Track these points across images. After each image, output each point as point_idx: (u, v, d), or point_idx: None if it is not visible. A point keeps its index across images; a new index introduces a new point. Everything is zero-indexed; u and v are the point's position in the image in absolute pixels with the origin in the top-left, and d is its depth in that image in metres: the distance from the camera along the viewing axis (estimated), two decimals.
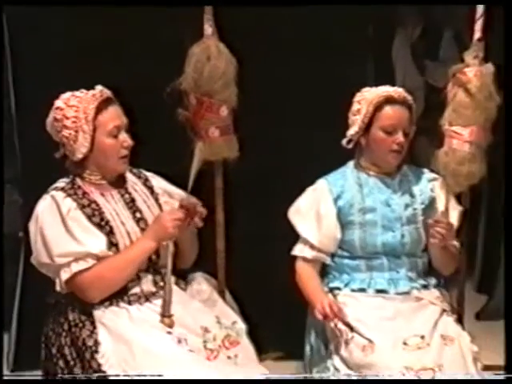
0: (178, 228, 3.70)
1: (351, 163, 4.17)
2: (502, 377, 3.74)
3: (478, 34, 3.98)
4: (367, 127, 4.02)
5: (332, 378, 3.92)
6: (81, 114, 3.68)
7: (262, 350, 4.04)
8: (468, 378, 3.82)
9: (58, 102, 3.71)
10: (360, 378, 3.71)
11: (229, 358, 3.70)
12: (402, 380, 3.67)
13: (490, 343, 5.28)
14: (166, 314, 3.68)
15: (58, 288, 3.66)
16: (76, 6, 4.49)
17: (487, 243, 6.45)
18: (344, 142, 4.06)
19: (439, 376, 3.75)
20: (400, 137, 4.01)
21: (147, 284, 3.78)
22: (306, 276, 4.12)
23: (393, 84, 4.37)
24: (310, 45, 4.96)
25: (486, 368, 4.09)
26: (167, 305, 3.69)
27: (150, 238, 3.72)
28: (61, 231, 3.62)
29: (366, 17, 5.52)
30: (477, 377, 3.86)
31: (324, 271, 4.18)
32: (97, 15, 4.55)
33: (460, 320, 4.18)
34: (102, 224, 3.71)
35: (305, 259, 4.12)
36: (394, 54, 6.92)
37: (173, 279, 3.79)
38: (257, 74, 4.49)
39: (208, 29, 4.02)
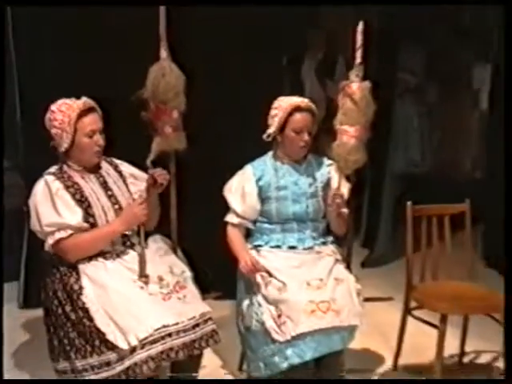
0: (142, 215, 3.66)
1: (270, 153, 4.13)
2: (502, 377, 3.46)
3: (358, 60, 3.94)
4: (282, 128, 4.00)
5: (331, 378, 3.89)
6: (66, 118, 3.62)
7: (204, 292, 3.96)
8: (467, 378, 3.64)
9: (53, 106, 3.64)
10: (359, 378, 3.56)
11: (179, 298, 3.63)
12: (402, 380, 3.67)
13: (372, 283, 5.34)
14: (142, 274, 3.63)
15: (46, 249, 3.62)
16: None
17: (369, 211, 6.46)
18: (265, 137, 4.03)
19: (334, 307, 3.76)
20: (306, 136, 3.99)
21: (118, 245, 3.73)
22: (234, 237, 4.07)
23: (302, 96, 4.35)
24: (243, 66, 4.98)
25: (366, 300, 4.06)
26: (142, 268, 3.64)
27: (121, 223, 3.68)
28: (49, 207, 3.57)
29: (280, 47, 5.56)
30: (359, 308, 3.85)
31: (250, 233, 4.12)
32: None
33: (348, 267, 4.14)
34: (83, 200, 3.66)
35: (233, 224, 4.07)
36: (303, 74, 6.94)
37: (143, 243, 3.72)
38: (202, 85, 4.45)
39: (163, 53, 3.99)
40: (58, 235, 3.57)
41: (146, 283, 3.60)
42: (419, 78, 6.49)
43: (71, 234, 3.59)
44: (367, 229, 6.47)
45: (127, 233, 3.76)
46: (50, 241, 3.58)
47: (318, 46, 6.97)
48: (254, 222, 4.09)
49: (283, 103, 4.02)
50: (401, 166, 6.39)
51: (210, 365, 4.30)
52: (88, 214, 3.65)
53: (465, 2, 4.65)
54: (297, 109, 3.98)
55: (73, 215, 3.60)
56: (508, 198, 3.50)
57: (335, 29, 6.69)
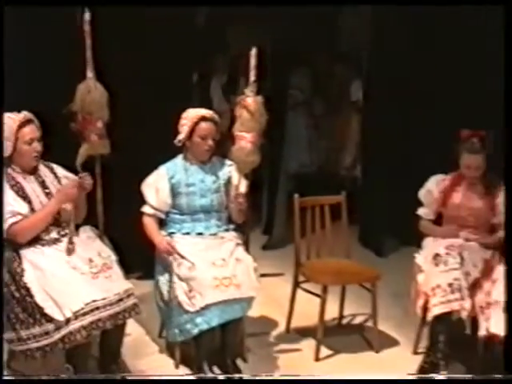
0: (72, 194, 3.71)
1: (181, 156, 4.15)
2: (502, 377, 3.27)
3: (252, 78, 3.99)
4: (190, 135, 4.03)
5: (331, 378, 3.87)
6: (8, 128, 3.63)
7: (128, 272, 3.97)
8: (467, 378, 3.49)
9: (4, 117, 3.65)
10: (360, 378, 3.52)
11: (106, 277, 3.65)
12: (402, 380, 3.47)
13: (271, 263, 5.41)
14: (70, 242, 3.69)
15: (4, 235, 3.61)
16: None
17: (268, 204, 6.52)
18: (176, 142, 4.06)
19: (235, 282, 3.82)
20: (210, 142, 4.04)
21: (53, 233, 3.72)
22: (149, 225, 4.10)
23: (211, 108, 4.44)
24: (159, 82, 5.00)
25: (263, 275, 4.17)
26: (71, 240, 3.69)
27: (56, 202, 3.70)
28: (6, 200, 3.58)
29: (191, 68, 5.59)
30: (255, 283, 3.92)
31: (165, 222, 4.14)
32: None
33: (247, 249, 4.18)
34: (25, 197, 3.66)
35: (148, 214, 4.10)
36: (212, 91, 6.97)
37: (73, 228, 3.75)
38: (124, 99, 4.44)
39: (89, 73, 3.96)
40: (10, 220, 3.56)
41: (73, 251, 3.65)
42: (306, 94, 6.59)
43: (21, 220, 3.59)
44: (267, 219, 6.54)
45: (62, 224, 3.76)
46: (5, 225, 3.56)
47: (224, 67, 7.01)
48: (166, 213, 4.11)
49: (191, 114, 4.05)
50: (293, 166, 6.48)
51: (135, 333, 4.31)
52: (30, 208, 3.66)
53: (464, 2, 4.56)
54: (202, 119, 4.02)
55: (21, 206, 3.62)
56: (508, 198, 3.47)
57: (238, 53, 6.74)
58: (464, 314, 3.87)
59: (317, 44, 6.60)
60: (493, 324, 3.74)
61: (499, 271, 3.90)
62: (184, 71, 5.35)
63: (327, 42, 6.88)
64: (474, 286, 3.93)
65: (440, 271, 3.94)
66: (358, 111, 6.73)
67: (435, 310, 3.91)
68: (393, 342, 4.43)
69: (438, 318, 3.92)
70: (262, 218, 6.57)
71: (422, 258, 4.12)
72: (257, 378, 3.87)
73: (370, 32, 6.19)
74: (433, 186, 4.30)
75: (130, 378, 3.82)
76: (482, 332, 3.79)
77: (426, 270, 4.03)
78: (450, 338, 3.97)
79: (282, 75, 6.24)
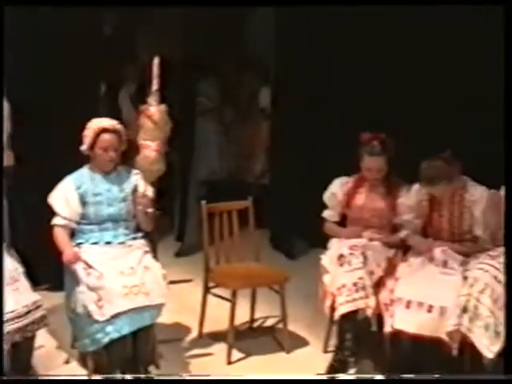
0: None
1: (87, 166, 4.14)
2: (502, 377, 3.20)
3: (155, 87, 4.02)
4: (92, 146, 4.02)
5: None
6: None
7: (36, 284, 3.93)
8: (467, 378, 3.42)
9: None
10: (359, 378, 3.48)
11: (13, 290, 3.63)
12: (401, 380, 3.41)
13: (183, 270, 5.42)
14: None
15: None
16: None
17: (180, 211, 6.54)
18: (81, 150, 4.05)
19: (144, 290, 3.83)
20: (111, 153, 4.04)
21: None
22: (60, 237, 4.05)
23: (119, 118, 4.45)
24: (65, 92, 4.96)
25: (172, 282, 4.22)
26: None
27: None
28: None
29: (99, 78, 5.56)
30: (164, 290, 3.94)
31: (73, 233, 4.12)
32: None
33: (155, 256, 4.21)
34: None
35: (59, 226, 4.06)
36: (120, 101, 6.94)
37: None
38: (30, 112, 4.39)
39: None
40: None
41: None
42: (215, 102, 6.63)
43: None
44: (179, 226, 6.55)
45: None
46: None
47: (133, 77, 6.99)
48: (77, 223, 4.10)
49: (93, 125, 4.05)
50: (203, 173, 6.51)
51: (48, 345, 4.27)
52: None
53: (464, 2, 4.46)
54: (104, 130, 4.02)
55: None
56: (508, 198, 3.49)
57: (147, 63, 6.74)
58: (369, 312, 4.00)
59: (225, 53, 6.65)
60: (397, 320, 3.87)
61: (402, 269, 4.05)
62: (92, 81, 5.33)
63: (235, 51, 6.93)
64: (378, 285, 4.07)
65: (344, 271, 4.06)
66: (266, 118, 6.81)
67: (341, 309, 4.02)
68: (303, 342, 4.53)
69: (345, 317, 4.03)
70: (174, 224, 6.58)
71: (327, 258, 4.23)
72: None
73: (274, 38, 6.28)
74: (336, 189, 4.42)
75: (130, 379, 3.76)
76: (387, 328, 3.92)
77: (332, 270, 4.14)
78: (357, 335, 4.09)
79: (190, 84, 6.28)
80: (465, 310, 3.68)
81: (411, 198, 4.22)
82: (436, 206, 4.14)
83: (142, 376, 3.70)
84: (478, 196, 4.05)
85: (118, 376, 3.69)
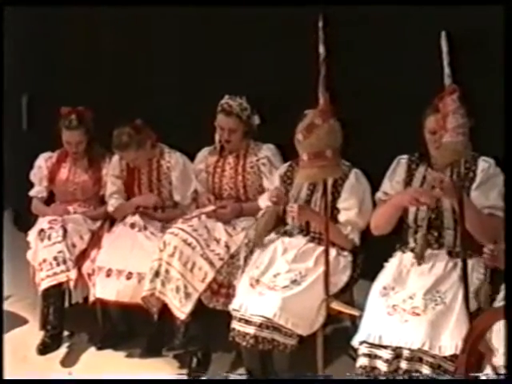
0: None
1: None
2: (502, 377, 2.92)
3: None
4: None
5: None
6: None
7: None
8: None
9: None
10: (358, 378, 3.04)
11: None
12: (400, 380, 3.00)
13: None
14: None
15: None
16: None
17: None
18: None
19: None
20: None
21: None
22: None
23: None
24: None
25: None
26: None
27: None
28: None
29: None
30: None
31: None
32: None
33: None
34: None
35: None
36: None
37: None
38: None
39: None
40: None
41: None
42: None
43: None
44: None
45: None
46: None
47: None
48: None
49: None
50: None
51: None
52: None
53: (463, 2, 4.17)
54: None
55: None
56: (508, 198, 3.31)
57: None
58: (71, 285, 3.98)
59: None
60: (98, 289, 3.87)
61: (106, 239, 4.04)
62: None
63: None
64: (84, 257, 4.04)
65: (44, 246, 4.01)
66: None
67: (43, 284, 3.98)
68: (23, 321, 4.40)
69: (48, 291, 3.99)
70: None
71: (32, 234, 4.14)
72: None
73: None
74: (41, 163, 4.33)
75: (132, 378, 3.38)
76: (91, 298, 3.91)
77: (33, 246, 4.07)
78: (62, 309, 4.06)
79: None
80: (157, 274, 3.71)
81: (112, 168, 4.21)
82: (136, 173, 4.17)
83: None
84: (173, 162, 4.12)
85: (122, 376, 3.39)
